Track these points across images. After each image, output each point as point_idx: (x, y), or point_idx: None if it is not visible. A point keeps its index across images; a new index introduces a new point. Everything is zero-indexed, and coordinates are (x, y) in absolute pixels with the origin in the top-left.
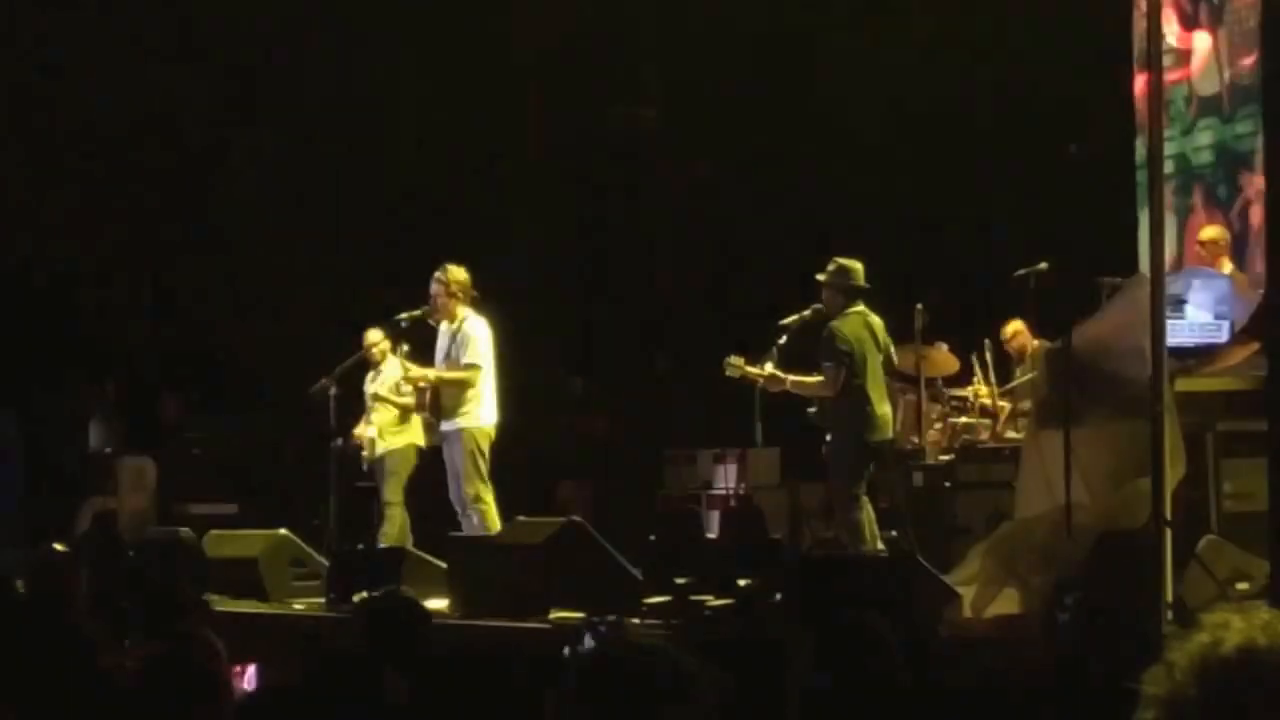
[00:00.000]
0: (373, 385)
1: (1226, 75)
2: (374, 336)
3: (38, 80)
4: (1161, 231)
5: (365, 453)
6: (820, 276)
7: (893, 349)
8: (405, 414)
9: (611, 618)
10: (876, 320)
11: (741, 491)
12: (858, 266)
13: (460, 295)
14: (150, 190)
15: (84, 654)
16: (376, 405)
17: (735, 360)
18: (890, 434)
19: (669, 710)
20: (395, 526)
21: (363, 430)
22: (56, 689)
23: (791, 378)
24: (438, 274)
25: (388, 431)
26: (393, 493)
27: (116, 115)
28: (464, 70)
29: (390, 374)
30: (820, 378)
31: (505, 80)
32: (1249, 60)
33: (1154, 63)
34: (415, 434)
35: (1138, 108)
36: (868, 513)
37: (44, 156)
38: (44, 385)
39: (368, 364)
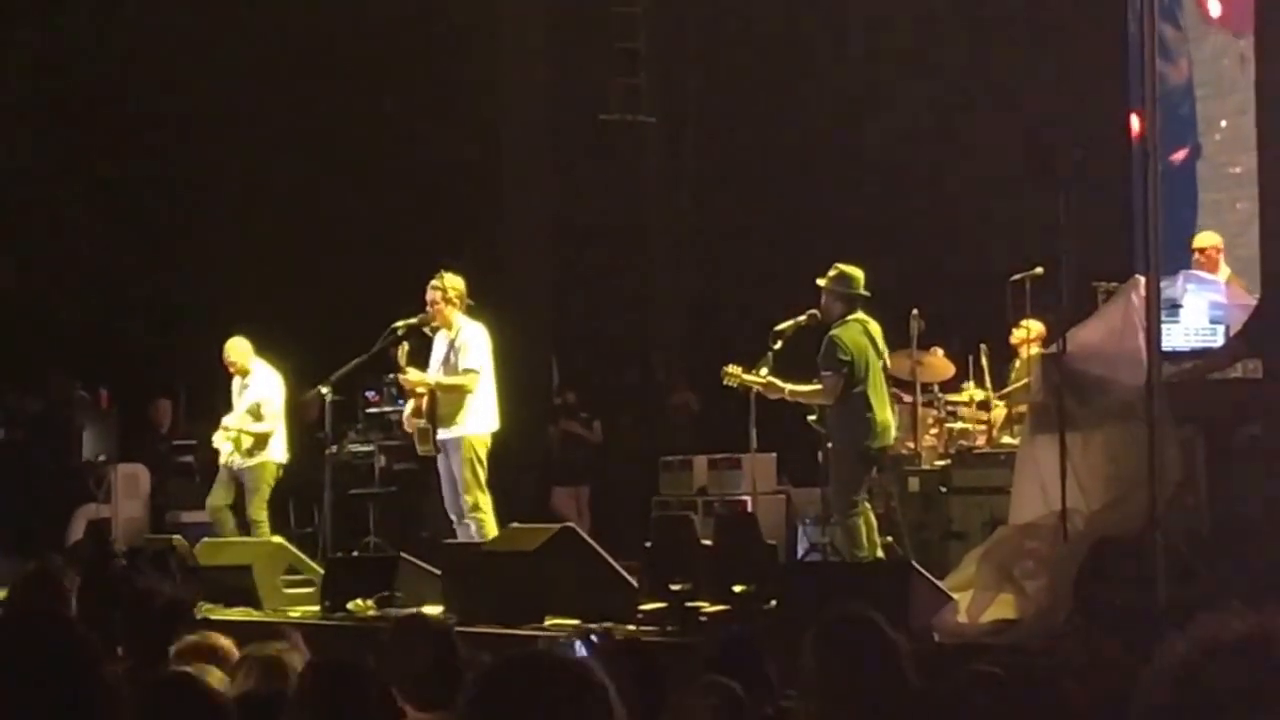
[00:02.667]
0: (239, 398)
1: None
2: (231, 352)
3: (35, 81)
4: (1158, 235)
5: (221, 459)
6: (821, 281)
7: (887, 356)
8: (263, 438)
9: (606, 624)
10: (875, 327)
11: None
12: (858, 274)
13: (457, 302)
14: (146, 198)
15: (88, 662)
16: (242, 421)
17: (734, 369)
18: (891, 440)
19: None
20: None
21: (217, 437)
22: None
23: (790, 386)
24: (434, 281)
25: (247, 447)
26: (257, 510)
27: (115, 124)
28: (455, 71)
29: (256, 392)
30: (819, 385)
31: (499, 80)
32: None
33: (1147, 64)
34: (275, 452)
35: None
36: (867, 518)
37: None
38: (36, 393)
39: (229, 372)
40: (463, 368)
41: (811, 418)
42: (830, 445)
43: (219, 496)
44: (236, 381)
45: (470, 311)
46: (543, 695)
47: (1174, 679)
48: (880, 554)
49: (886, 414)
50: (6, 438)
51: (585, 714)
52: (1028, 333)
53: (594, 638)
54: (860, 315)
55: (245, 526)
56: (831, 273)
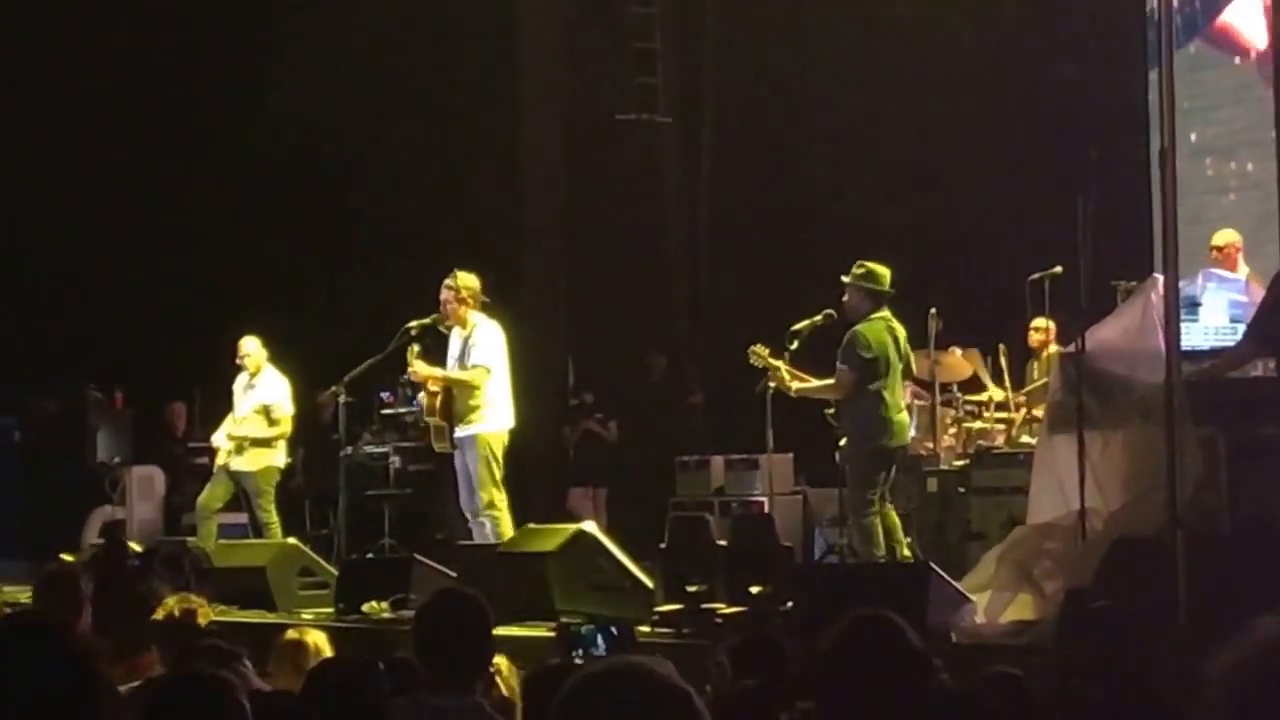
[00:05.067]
0: (244, 396)
1: None
2: (246, 346)
3: (47, 84)
4: (1175, 233)
5: (219, 460)
6: (846, 278)
7: (911, 358)
8: (268, 441)
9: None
10: (900, 329)
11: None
12: (885, 271)
13: (471, 301)
14: (160, 199)
15: (87, 668)
16: (246, 423)
17: (760, 349)
18: (907, 440)
19: None
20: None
21: (219, 436)
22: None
23: (796, 385)
24: (448, 280)
25: (250, 449)
26: (267, 513)
27: (129, 126)
28: (471, 71)
29: (266, 394)
30: (830, 380)
31: (516, 80)
32: None
33: (1165, 57)
34: (277, 455)
35: None
36: (890, 518)
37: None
38: (50, 395)
39: (238, 367)
40: (472, 364)
41: (829, 411)
42: (845, 443)
43: (213, 498)
44: (241, 379)
45: (486, 310)
46: (632, 711)
47: (1236, 680)
48: (906, 553)
49: (902, 414)
50: (22, 439)
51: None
52: (1046, 333)
53: (614, 629)
54: (886, 314)
55: (257, 530)
56: (858, 269)
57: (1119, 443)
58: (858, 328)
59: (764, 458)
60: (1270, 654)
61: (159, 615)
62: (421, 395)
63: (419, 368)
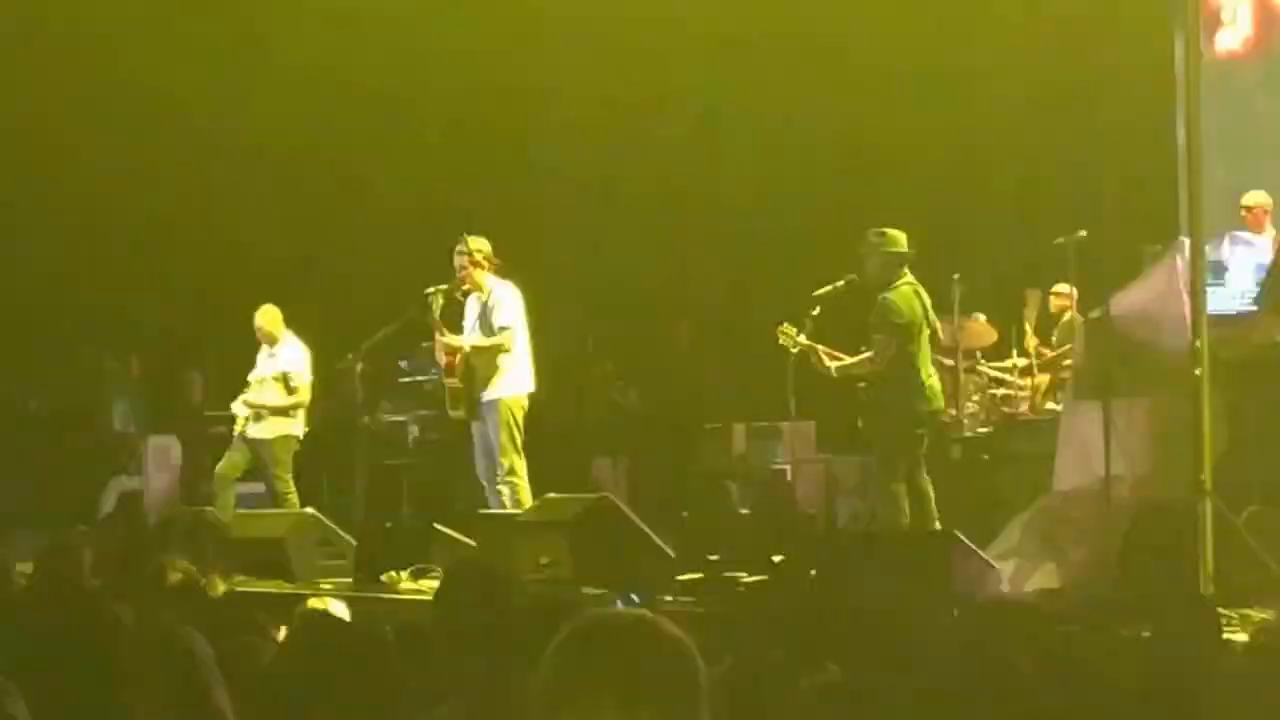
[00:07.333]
0: (266, 366)
1: None
2: (263, 314)
3: (52, 60)
4: (1200, 197)
5: (237, 428)
6: (863, 248)
7: (938, 327)
8: (286, 410)
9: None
10: (925, 294)
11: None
12: (899, 233)
13: (485, 264)
14: (174, 167)
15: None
16: (265, 391)
17: (789, 329)
18: (941, 404)
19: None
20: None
21: (237, 404)
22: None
23: (834, 364)
24: (459, 246)
25: (268, 417)
26: (283, 483)
27: (145, 95)
28: (486, 33)
29: (285, 362)
30: (868, 353)
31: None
32: None
33: (1190, 26)
34: (295, 425)
35: None
36: (924, 489)
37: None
38: (65, 364)
39: (260, 343)
40: (497, 326)
41: (862, 385)
42: (879, 409)
43: (231, 466)
44: (263, 351)
45: (500, 273)
46: (627, 652)
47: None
48: (936, 526)
49: (934, 378)
50: (36, 409)
51: (668, 669)
52: (1067, 298)
53: (635, 597)
54: (911, 279)
55: (275, 499)
56: (873, 237)
57: (1144, 409)
58: (886, 295)
59: (786, 425)
60: None
61: (172, 584)
62: (440, 356)
63: (450, 339)
